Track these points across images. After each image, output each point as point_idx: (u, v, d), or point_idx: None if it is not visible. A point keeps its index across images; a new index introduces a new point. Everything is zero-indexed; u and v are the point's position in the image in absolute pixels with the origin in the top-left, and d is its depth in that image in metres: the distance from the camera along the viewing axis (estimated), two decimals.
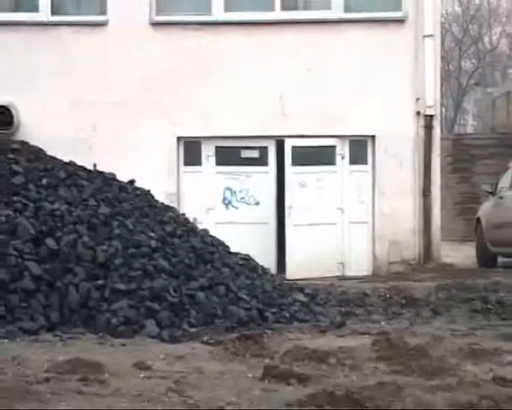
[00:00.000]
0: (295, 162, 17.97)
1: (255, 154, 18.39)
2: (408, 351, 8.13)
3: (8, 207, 10.16)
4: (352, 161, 18.29)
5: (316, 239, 17.64)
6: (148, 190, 12.39)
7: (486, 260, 19.90)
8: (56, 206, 10.39)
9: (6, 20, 18.55)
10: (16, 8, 18.94)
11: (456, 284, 14.27)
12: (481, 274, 17.14)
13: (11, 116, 18.04)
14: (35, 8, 18.66)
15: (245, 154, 18.41)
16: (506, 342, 9.09)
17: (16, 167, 11.00)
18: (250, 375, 7.37)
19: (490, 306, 11.94)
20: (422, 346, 8.42)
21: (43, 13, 18.64)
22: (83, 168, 11.96)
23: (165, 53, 18.15)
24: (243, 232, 16.56)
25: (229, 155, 18.39)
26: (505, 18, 54.01)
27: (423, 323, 10.67)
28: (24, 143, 12.45)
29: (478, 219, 21.01)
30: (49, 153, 12.17)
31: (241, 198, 18.25)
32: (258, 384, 7.06)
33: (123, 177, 12.28)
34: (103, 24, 18.40)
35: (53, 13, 18.65)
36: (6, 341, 8.61)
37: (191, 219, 12.72)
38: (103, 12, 18.48)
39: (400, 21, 18.18)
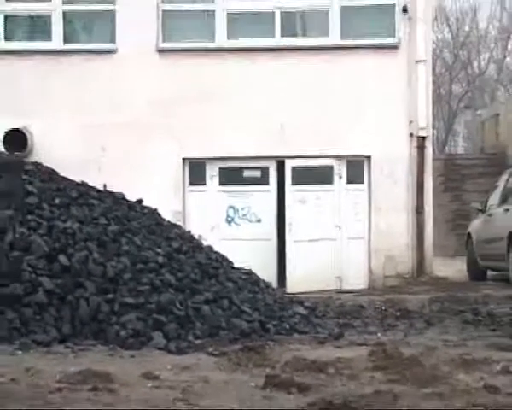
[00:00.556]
0: (295, 181, 17.98)
1: (257, 173, 18.40)
2: (403, 361, 8.13)
3: (23, 226, 10.15)
4: (349, 181, 18.29)
5: (315, 254, 17.63)
6: (156, 209, 12.39)
7: (477, 274, 19.91)
8: (68, 224, 10.39)
9: (22, 48, 18.60)
10: (31, 38, 18.97)
11: (448, 297, 14.28)
12: (472, 287, 17.14)
13: (25, 139, 18.05)
14: (48, 37, 18.71)
15: (247, 173, 18.43)
16: (496, 351, 9.08)
17: (30, 188, 11.00)
18: (252, 384, 7.36)
19: (480, 317, 11.95)
20: (416, 356, 8.41)
21: (56, 41, 18.68)
22: (93, 188, 11.96)
23: (171, 78, 18.17)
24: (246, 248, 16.55)
25: (232, 175, 18.40)
26: (493, 44, 54.08)
27: (417, 334, 10.65)
28: (38, 165, 12.45)
29: (468, 235, 21.02)
30: (62, 174, 12.17)
31: (244, 216, 18.26)
32: (260, 393, 7.05)
33: (131, 196, 12.28)
34: (113, 51, 18.44)
35: (65, 41, 18.70)
36: (20, 352, 8.61)
37: (196, 236, 12.71)
38: (112, 40, 18.52)
39: (394, 48, 18.21)
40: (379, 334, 10.62)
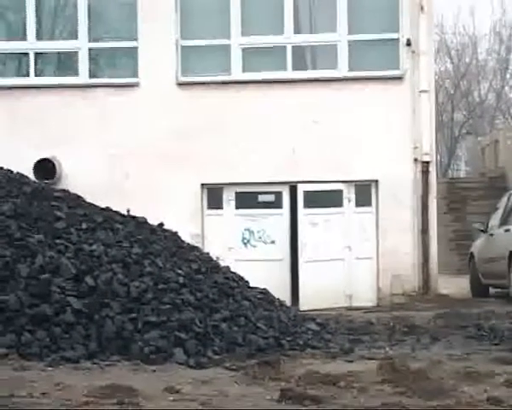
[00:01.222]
0: (307, 205, 17.95)
1: (271, 198, 18.38)
2: (410, 374, 8.10)
3: (52, 249, 10.17)
4: (358, 204, 18.26)
5: (326, 274, 17.59)
6: (176, 232, 12.40)
7: (479, 291, 19.84)
8: (94, 247, 10.41)
9: (50, 83, 18.68)
10: (59, 73, 19.06)
11: (453, 313, 14.21)
12: (475, 304, 17.05)
13: (54, 168, 18.11)
14: (75, 73, 18.79)
15: (262, 198, 18.42)
16: (499, 365, 9.05)
17: (59, 213, 11.04)
18: (268, 397, 7.35)
19: (483, 332, 11.88)
20: (423, 369, 8.40)
21: (83, 76, 18.77)
22: (117, 213, 12.00)
23: (191, 109, 18.20)
24: (261, 268, 16.51)
25: (247, 200, 18.39)
26: (492, 75, 54.13)
27: (423, 348, 10.61)
28: (65, 192, 12.50)
29: (471, 254, 20.97)
30: (88, 200, 12.21)
31: (259, 238, 18.24)
32: (276, 406, 7.05)
33: (153, 220, 12.30)
34: (135, 85, 18.50)
35: (91, 76, 18.78)
36: (50, 368, 8.60)
37: (214, 258, 12.70)
38: (135, 74, 18.59)
39: (399, 79, 18.21)
40: (387, 349, 10.56)
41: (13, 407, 6.84)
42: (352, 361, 9.48)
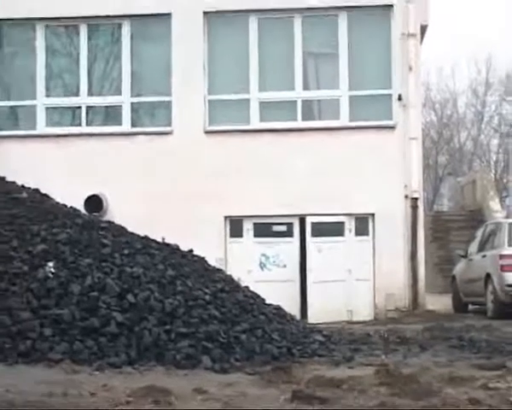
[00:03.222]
0: (314, 234, 17.93)
1: (283, 228, 18.37)
2: (402, 378, 8.05)
3: (99, 271, 10.16)
4: (357, 233, 18.23)
5: (330, 292, 17.54)
6: (203, 257, 12.37)
7: (460, 307, 19.76)
8: (135, 269, 10.39)
9: (99, 132, 18.79)
10: (105, 123, 19.15)
11: (438, 326, 14.13)
12: (457, 318, 16.99)
13: (101, 202, 18.17)
14: (119, 122, 18.90)
15: (276, 228, 18.41)
16: (477, 371, 8.99)
17: (105, 241, 11.04)
18: (282, 398, 7.30)
19: (464, 343, 11.80)
20: (413, 374, 8.34)
21: (125, 125, 18.88)
22: (154, 241, 11.98)
23: (216, 153, 18.25)
24: (275, 288, 16.41)
25: (263, 229, 18.38)
26: (470, 125, 54.27)
27: (413, 356, 10.52)
28: (110, 223, 12.52)
29: (453, 276, 20.90)
30: (129, 229, 12.21)
31: (273, 262, 18.22)
32: (288, 405, 7.02)
33: (184, 247, 12.28)
34: (169, 133, 18.58)
35: (132, 125, 18.88)
36: (97, 372, 8.60)
37: (236, 279, 12.65)
38: (169, 124, 18.66)
39: (392, 128, 18.23)
40: (383, 356, 10.49)
41: (66, 404, 6.84)
42: (352, 367, 9.43)
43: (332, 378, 8.11)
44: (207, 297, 10.45)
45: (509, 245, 17.60)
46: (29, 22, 19.01)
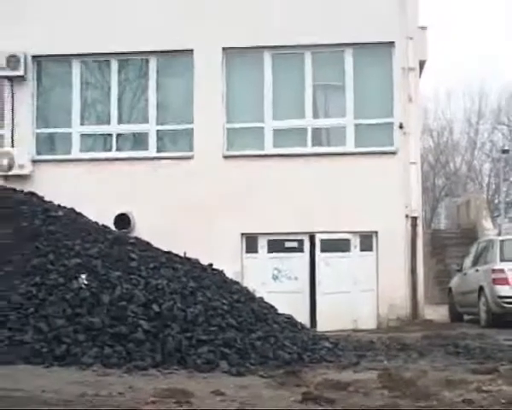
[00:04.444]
0: (323, 250, 17.90)
1: (295, 244, 18.33)
2: (403, 382, 8.01)
3: (127, 283, 10.18)
4: (362, 249, 18.18)
5: (337, 303, 17.48)
6: (222, 270, 12.36)
7: (456, 317, 19.68)
8: (159, 281, 10.41)
9: (127, 156, 18.86)
10: (133, 148, 19.22)
11: (435, 334, 14.07)
12: (452, 327, 16.92)
13: (129, 220, 18.21)
14: (146, 148, 18.96)
15: (288, 244, 18.37)
16: (471, 375, 8.93)
17: (132, 255, 11.06)
18: (293, 399, 7.28)
19: (459, 349, 11.73)
20: (413, 378, 8.30)
21: (151, 150, 18.94)
22: (177, 255, 11.99)
23: (233, 176, 18.27)
24: (287, 299, 16.34)
25: (276, 245, 18.34)
26: (464, 151, 54.21)
27: (413, 362, 10.46)
28: (137, 239, 12.53)
29: (449, 288, 20.82)
30: (154, 245, 12.22)
31: (285, 275, 18.17)
32: (299, 406, 6.99)
33: (204, 261, 12.28)
34: (191, 157, 18.61)
35: (157, 151, 18.94)
36: (125, 375, 8.59)
37: (251, 290, 12.64)
38: (191, 149, 18.71)
39: (393, 153, 18.21)
40: (385, 362, 10.45)
41: (97, 403, 6.84)
42: (358, 372, 9.38)
43: (339, 381, 8.09)
44: (225, 307, 10.44)
45: (501, 260, 17.56)
46: (66, 58, 19.15)
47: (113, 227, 14.79)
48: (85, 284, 10.01)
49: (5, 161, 18.68)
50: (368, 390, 7.74)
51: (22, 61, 18.80)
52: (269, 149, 18.56)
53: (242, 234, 18.33)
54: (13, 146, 19.00)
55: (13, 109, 19.11)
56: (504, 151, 44.12)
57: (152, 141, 18.93)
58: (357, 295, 17.87)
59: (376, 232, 18.07)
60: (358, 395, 7.50)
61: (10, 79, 19.04)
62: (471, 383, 8.15)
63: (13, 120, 19.11)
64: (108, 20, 18.80)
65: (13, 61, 18.75)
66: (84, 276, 10.16)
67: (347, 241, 18.13)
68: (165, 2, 18.80)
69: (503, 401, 7.18)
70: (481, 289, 17.66)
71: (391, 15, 18.20)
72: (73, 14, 18.86)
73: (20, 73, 18.83)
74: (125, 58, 19.18)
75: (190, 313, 9.91)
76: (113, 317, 9.55)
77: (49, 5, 18.97)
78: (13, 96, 19.13)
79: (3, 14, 18.85)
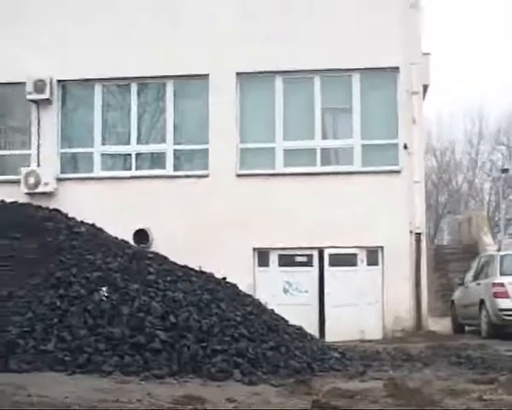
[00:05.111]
0: (331, 264, 17.89)
1: (304, 259, 18.32)
2: (408, 390, 7.95)
3: (145, 295, 10.17)
4: (368, 263, 18.15)
5: (345, 315, 17.44)
6: (235, 284, 12.34)
7: (458, 328, 19.61)
8: (176, 294, 10.39)
9: (146, 174, 18.93)
10: (151, 167, 19.28)
11: (439, 345, 14.00)
12: (455, 338, 16.85)
13: (147, 235, 18.24)
14: (163, 167, 19.02)
15: (298, 259, 18.36)
16: (473, 384, 8.87)
17: (150, 269, 11.06)
18: (303, 406, 7.24)
19: (461, 359, 11.67)
20: (417, 387, 8.23)
21: (169, 169, 19.00)
22: (192, 269, 11.98)
23: (246, 194, 18.30)
24: (297, 311, 16.27)
25: (287, 260, 18.34)
26: (465, 170, 54.16)
27: (417, 371, 10.41)
28: (155, 253, 12.53)
29: (452, 301, 20.76)
30: (171, 259, 12.23)
31: (295, 288, 18.15)
32: None
33: (218, 274, 12.27)
34: (206, 176, 18.66)
35: (174, 169, 19.00)
36: (143, 383, 8.57)
37: (263, 303, 12.61)
38: (206, 168, 18.76)
39: (398, 172, 18.20)
40: (390, 371, 10.39)
41: (117, 409, 6.87)
42: (364, 381, 9.34)
43: (346, 390, 8.04)
44: (238, 318, 10.40)
45: (501, 275, 17.52)
46: (88, 82, 19.28)
47: (132, 242, 14.81)
48: (106, 297, 10.02)
49: (31, 180, 18.81)
50: (374, 399, 7.69)
51: (48, 85, 18.97)
52: (280, 168, 18.57)
53: (254, 249, 18.32)
54: (39, 165, 19.12)
55: (39, 131, 19.26)
56: (504, 170, 44.22)
57: (169, 160, 18.99)
58: (363, 308, 17.81)
59: (382, 247, 18.02)
60: (365, 404, 7.46)
61: (37, 102, 19.19)
62: (473, 392, 8.10)
63: (39, 140, 19.26)
64: (128, 47, 18.95)
65: (40, 85, 18.94)
66: (104, 288, 10.17)
67: (354, 255, 18.10)
68: (182, 29, 18.91)
69: (503, 409, 7.14)
70: (482, 302, 17.60)
71: (396, 42, 18.25)
72: (95, 41, 19.01)
73: (46, 96, 18.99)
74: (143, 82, 19.29)
75: (205, 324, 9.89)
76: (132, 327, 9.54)
77: (73, 34, 19.11)
78: (39, 119, 19.29)
79: (32, 43, 19.03)
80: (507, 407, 7.23)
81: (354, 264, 18.08)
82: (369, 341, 16.62)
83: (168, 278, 10.90)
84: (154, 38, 18.93)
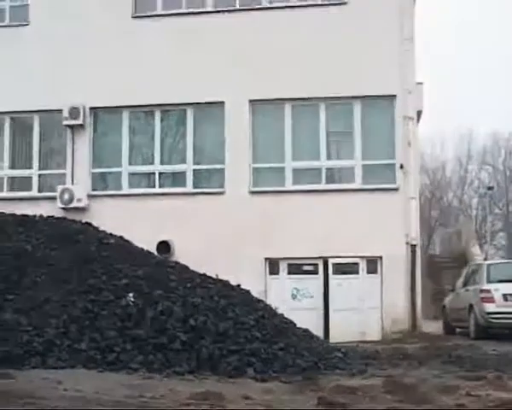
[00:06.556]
0: (335, 272, 17.80)
1: (311, 267, 18.25)
2: (405, 387, 7.91)
3: (168, 300, 10.18)
4: (369, 272, 18.04)
5: (347, 318, 17.35)
6: (248, 290, 12.29)
7: (449, 330, 19.52)
8: (195, 299, 10.38)
9: (168, 191, 18.95)
10: (173, 185, 19.28)
11: (432, 345, 13.91)
12: (446, 339, 16.75)
13: (169, 247, 18.24)
14: (184, 184, 19.03)
15: (305, 267, 18.30)
16: (463, 381, 8.81)
17: (172, 277, 11.06)
18: (309, 402, 7.20)
19: (452, 359, 11.59)
20: (413, 384, 8.19)
21: (189, 187, 19.01)
22: (210, 277, 11.96)
23: (258, 209, 18.28)
24: (304, 315, 16.21)
25: (295, 268, 18.27)
26: (455, 187, 54.09)
27: (413, 370, 10.35)
28: (177, 263, 12.54)
29: (444, 305, 20.68)
30: (191, 268, 12.22)
31: (303, 294, 18.08)
32: (315, 408, 6.90)
33: (233, 282, 12.23)
34: (222, 193, 18.66)
35: (194, 187, 19.01)
36: (166, 379, 8.57)
37: (273, 307, 12.56)
38: (222, 186, 18.75)
39: (395, 189, 18.12)
40: (389, 370, 10.34)
41: (142, 403, 6.81)
42: (365, 378, 9.29)
43: (349, 387, 8.00)
44: (251, 322, 10.37)
45: (487, 282, 17.50)
46: (117, 109, 19.39)
47: (155, 253, 14.82)
48: (132, 301, 10.03)
49: (66, 196, 18.93)
50: (374, 395, 7.65)
51: (82, 112, 19.13)
52: (289, 185, 18.56)
53: (266, 259, 18.28)
54: (72, 183, 19.23)
55: (73, 152, 19.40)
56: (489, 188, 44.39)
57: (189, 179, 19.01)
58: (364, 312, 17.72)
59: (381, 257, 17.95)
60: (366, 400, 7.41)
61: (71, 127, 19.36)
62: (463, 389, 8.04)
63: (73, 161, 19.39)
64: (152, 77, 19.05)
65: (74, 112, 19.14)
66: (131, 294, 10.18)
67: (356, 265, 18.01)
68: (200, 62, 18.97)
69: (490, 404, 7.08)
70: (471, 306, 17.53)
71: (393, 73, 18.23)
72: (123, 72, 19.15)
73: (80, 121, 19.14)
74: (166, 109, 19.36)
75: (221, 326, 9.88)
76: (156, 329, 9.55)
77: (103, 66, 19.27)
78: (73, 141, 19.44)
79: (67, 74, 19.20)
80: (494, 401, 7.17)
81: (356, 272, 17.99)
82: (369, 341, 16.52)
83: (188, 285, 10.90)
84: (176, 70, 19.02)
